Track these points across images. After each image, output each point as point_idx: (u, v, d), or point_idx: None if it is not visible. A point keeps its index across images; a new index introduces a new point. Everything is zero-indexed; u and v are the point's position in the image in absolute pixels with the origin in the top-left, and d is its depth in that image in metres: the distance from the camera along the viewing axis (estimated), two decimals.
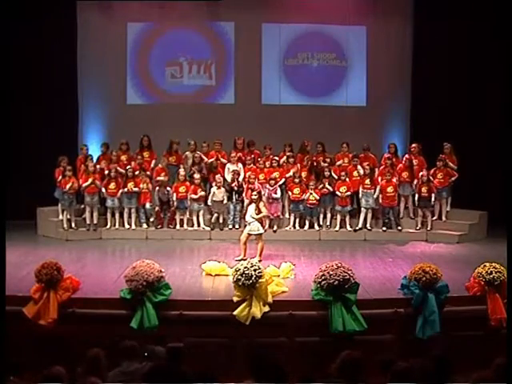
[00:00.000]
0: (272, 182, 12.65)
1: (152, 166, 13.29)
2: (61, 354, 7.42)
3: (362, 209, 12.84)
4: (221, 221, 12.87)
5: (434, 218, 12.96)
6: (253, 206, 10.65)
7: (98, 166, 12.90)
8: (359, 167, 13.08)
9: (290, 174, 12.94)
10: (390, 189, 12.71)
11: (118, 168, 12.94)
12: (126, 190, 12.64)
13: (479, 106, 14.25)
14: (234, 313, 8.19)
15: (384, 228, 12.86)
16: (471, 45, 14.05)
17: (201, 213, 12.85)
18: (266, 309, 8.30)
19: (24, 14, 13.53)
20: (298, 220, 12.92)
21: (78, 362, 6.06)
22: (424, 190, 12.70)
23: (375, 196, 12.79)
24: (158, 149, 13.50)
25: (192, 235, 12.66)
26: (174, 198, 12.68)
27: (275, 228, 12.75)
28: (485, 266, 8.74)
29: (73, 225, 12.63)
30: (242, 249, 10.71)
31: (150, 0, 14.52)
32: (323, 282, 8.34)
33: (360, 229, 12.83)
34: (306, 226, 12.90)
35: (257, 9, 14.58)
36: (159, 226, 12.86)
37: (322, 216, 12.90)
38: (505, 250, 9.12)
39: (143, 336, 7.70)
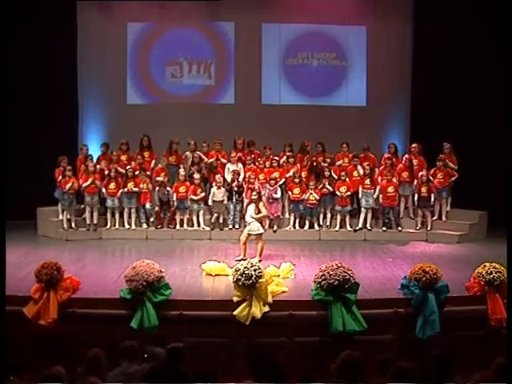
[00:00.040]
0: (272, 182, 12.65)
1: (152, 166, 13.29)
2: (61, 353, 7.42)
3: (362, 209, 12.84)
4: (221, 221, 12.87)
5: (434, 218, 12.96)
6: (252, 206, 10.65)
7: (97, 166, 12.90)
8: (359, 167, 13.08)
9: (290, 174, 12.94)
10: (390, 189, 12.71)
11: (118, 168, 12.95)
12: (126, 189, 12.64)
13: (479, 105, 14.25)
14: (234, 313, 8.19)
15: (384, 228, 12.86)
16: (471, 45, 14.05)
17: (201, 213, 12.85)
18: (266, 309, 8.30)
19: (24, 14, 13.53)
20: (298, 220, 12.92)
21: (78, 362, 6.06)
22: (424, 190, 12.69)
23: (375, 196, 12.79)
24: (157, 149, 13.50)
25: (192, 235, 12.66)
26: (174, 198, 12.68)
27: (275, 228, 12.75)
28: (485, 265, 8.74)
29: (73, 225, 12.63)
30: (241, 249, 10.71)
31: (150, 0, 14.52)
32: (323, 282, 8.34)
33: (360, 229, 12.83)
34: (306, 226, 12.90)
35: (257, 9, 14.58)
36: (159, 226, 12.86)
37: (322, 216, 12.90)
38: (505, 250, 9.12)
39: (143, 336, 7.70)
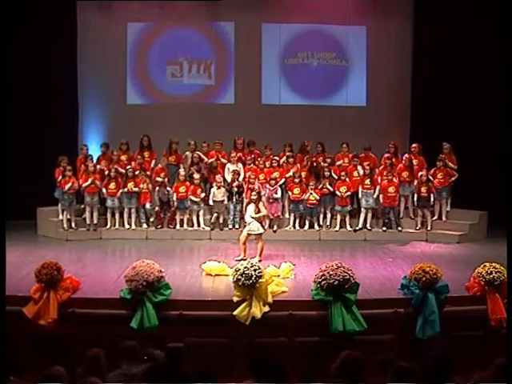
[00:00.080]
0: (272, 182, 12.65)
1: (152, 166, 13.29)
2: (61, 353, 7.42)
3: (362, 209, 12.84)
4: (221, 221, 12.87)
5: (434, 218, 12.96)
6: (252, 205, 10.65)
7: (98, 166, 12.90)
8: (359, 167, 13.07)
9: (290, 174, 12.94)
10: (391, 189, 12.70)
11: (118, 168, 12.95)
12: (126, 189, 12.64)
13: (479, 105, 14.25)
14: (234, 313, 8.19)
15: (384, 228, 12.86)
16: (471, 45, 14.05)
17: (201, 213, 12.85)
18: (266, 309, 8.30)
19: (24, 14, 13.53)
20: (298, 220, 12.92)
21: (78, 362, 6.06)
22: (423, 190, 12.69)
23: (375, 196, 12.79)
24: (157, 149, 13.50)
25: (192, 235, 12.66)
26: (174, 198, 12.68)
27: (275, 228, 12.75)
28: (485, 265, 8.74)
29: (73, 225, 12.63)
30: (241, 249, 10.71)
31: (150, 0, 14.52)
32: (323, 282, 8.34)
33: (360, 229, 12.83)
34: (306, 226, 12.90)
35: (257, 9, 14.58)
36: (159, 226, 12.86)
37: (322, 216, 12.90)
38: (505, 250, 9.12)
39: (143, 336, 7.70)
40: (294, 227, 12.90)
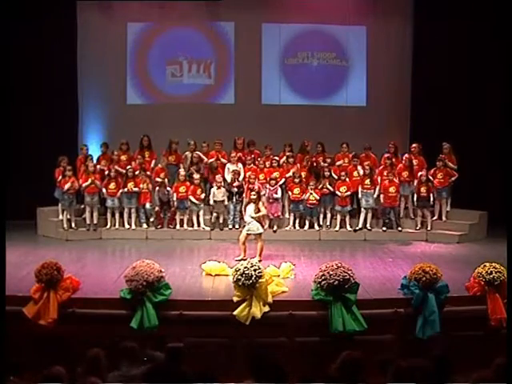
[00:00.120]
0: (272, 182, 12.65)
1: (152, 166, 13.29)
2: (61, 353, 7.41)
3: (362, 209, 12.83)
4: (221, 221, 12.87)
5: (434, 218, 12.96)
6: (252, 205, 10.65)
7: (98, 166, 12.90)
8: (359, 167, 13.07)
9: (290, 174, 12.94)
10: (392, 189, 12.69)
11: (118, 168, 12.95)
12: (126, 190, 12.64)
13: (479, 105, 14.25)
14: (234, 313, 8.18)
15: (384, 228, 12.86)
16: (471, 45, 14.05)
17: (201, 213, 12.85)
18: (266, 309, 8.30)
19: (24, 14, 13.53)
20: (298, 220, 12.92)
21: (78, 362, 6.06)
22: (423, 189, 12.69)
23: (375, 196, 12.79)
24: (157, 149, 13.50)
25: (192, 235, 12.66)
26: (174, 198, 12.68)
27: (275, 228, 12.75)
28: (485, 265, 8.74)
29: (73, 225, 12.63)
30: (241, 249, 10.71)
31: (150, 0, 14.52)
32: (323, 282, 8.33)
33: (360, 229, 12.83)
34: (306, 226, 12.90)
35: (257, 9, 14.58)
36: (159, 226, 12.86)
37: (322, 216, 12.90)
38: (505, 250, 9.12)
39: (143, 336, 7.70)
40: (294, 227, 12.90)
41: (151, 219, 12.87)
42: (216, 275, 9.64)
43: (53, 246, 11.90)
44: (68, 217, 12.60)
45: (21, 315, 8.11)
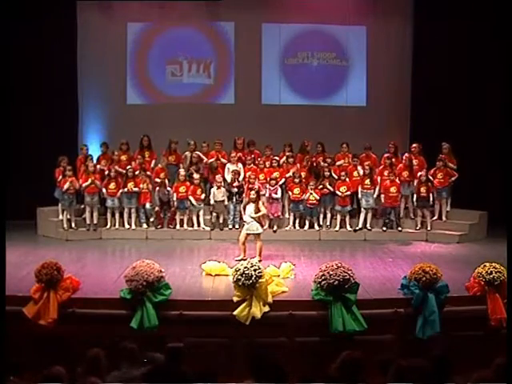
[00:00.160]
0: (272, 182, 12.65)
1: (152, 166, 13.29)
2: (61, 353, 7.41)
3: (362, 209, 12.83)
4: (221, 221, 12.87)
5: (434, 218, 12.96)
6: (251, 205, 10.64)
7: (98, 166, 12.90)
8: (359, 167, 13.07)
9: (290, 174, 12.93)
10: (393, 189, 12.69)
11: (118, 168, 12.95)
12: (126, 190, 12.64)
13: (479, 105, 14.24)
14: (234, 313, 8.18)
15: (384, 228, 12.86)
16: (471, 45, 14.05)
17: (201, 213, 12.85)
18: (266, 309, 8.30)
19: (24, 14, 13.53)
20: (298, 220, 12.92)
21: (78, 362, 6.06)
22: (423, 189, 12.69)
23: (375, 196, 12.79)
24: (157, 149, 13.50)
25: (192, 235, 12.66)
26: (174, 198, 12.68)
27: (275, 228, 12.75)
28: (485, 265, 8.74)
29: (73, 225, 12.63)
30: (241, 249, 10.71)
31: (150, 0, 14.52)
32: (323, 282, 8.33)
33: (360, 229, 12.83)
34: (306, 226, 12.90)
35: (257, 9, 14.58)
36: (159, 226, 12.86)
37: (322, 216, 12.90)
38: (505, 250, 9.12)
39: (143, 336, 7.70)
40: (294, 227, 12.90)
41: (151, 219, 12.87)
42: (216, 275, 9.64)
43: (53, 245, 11.90)
44: (68, 217, 12.60)
45: (21, 315, 8.11)
